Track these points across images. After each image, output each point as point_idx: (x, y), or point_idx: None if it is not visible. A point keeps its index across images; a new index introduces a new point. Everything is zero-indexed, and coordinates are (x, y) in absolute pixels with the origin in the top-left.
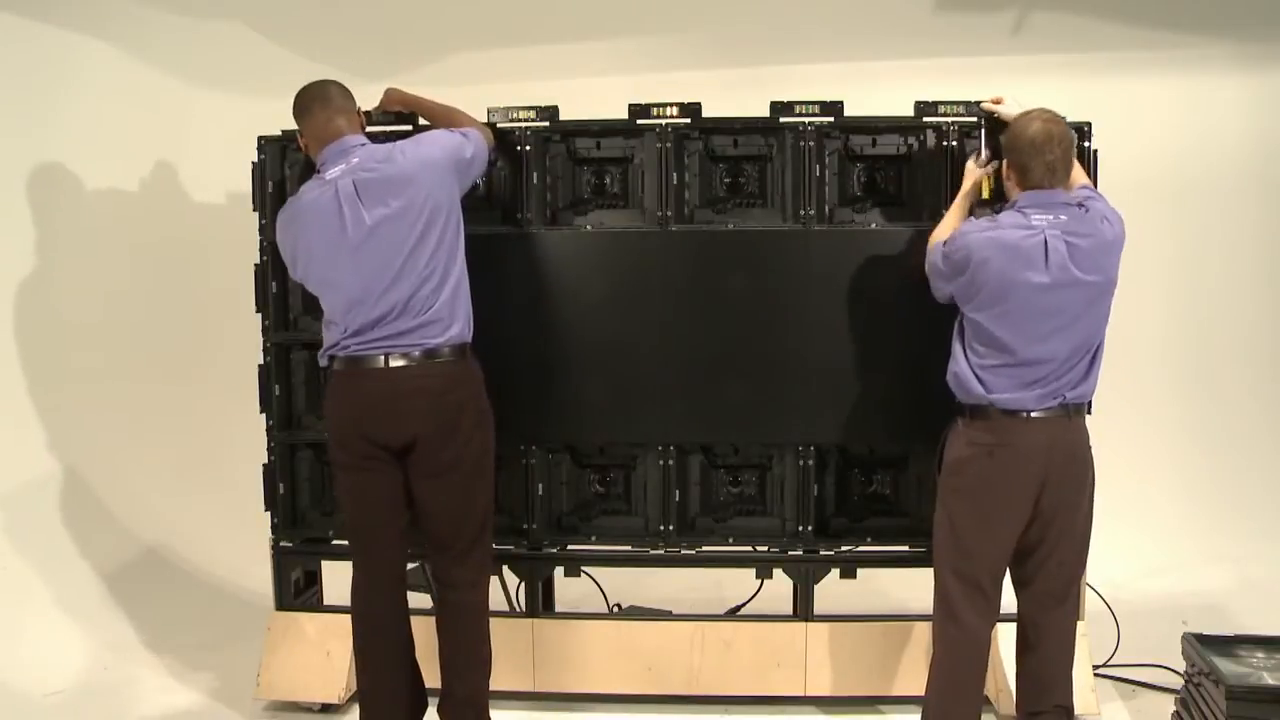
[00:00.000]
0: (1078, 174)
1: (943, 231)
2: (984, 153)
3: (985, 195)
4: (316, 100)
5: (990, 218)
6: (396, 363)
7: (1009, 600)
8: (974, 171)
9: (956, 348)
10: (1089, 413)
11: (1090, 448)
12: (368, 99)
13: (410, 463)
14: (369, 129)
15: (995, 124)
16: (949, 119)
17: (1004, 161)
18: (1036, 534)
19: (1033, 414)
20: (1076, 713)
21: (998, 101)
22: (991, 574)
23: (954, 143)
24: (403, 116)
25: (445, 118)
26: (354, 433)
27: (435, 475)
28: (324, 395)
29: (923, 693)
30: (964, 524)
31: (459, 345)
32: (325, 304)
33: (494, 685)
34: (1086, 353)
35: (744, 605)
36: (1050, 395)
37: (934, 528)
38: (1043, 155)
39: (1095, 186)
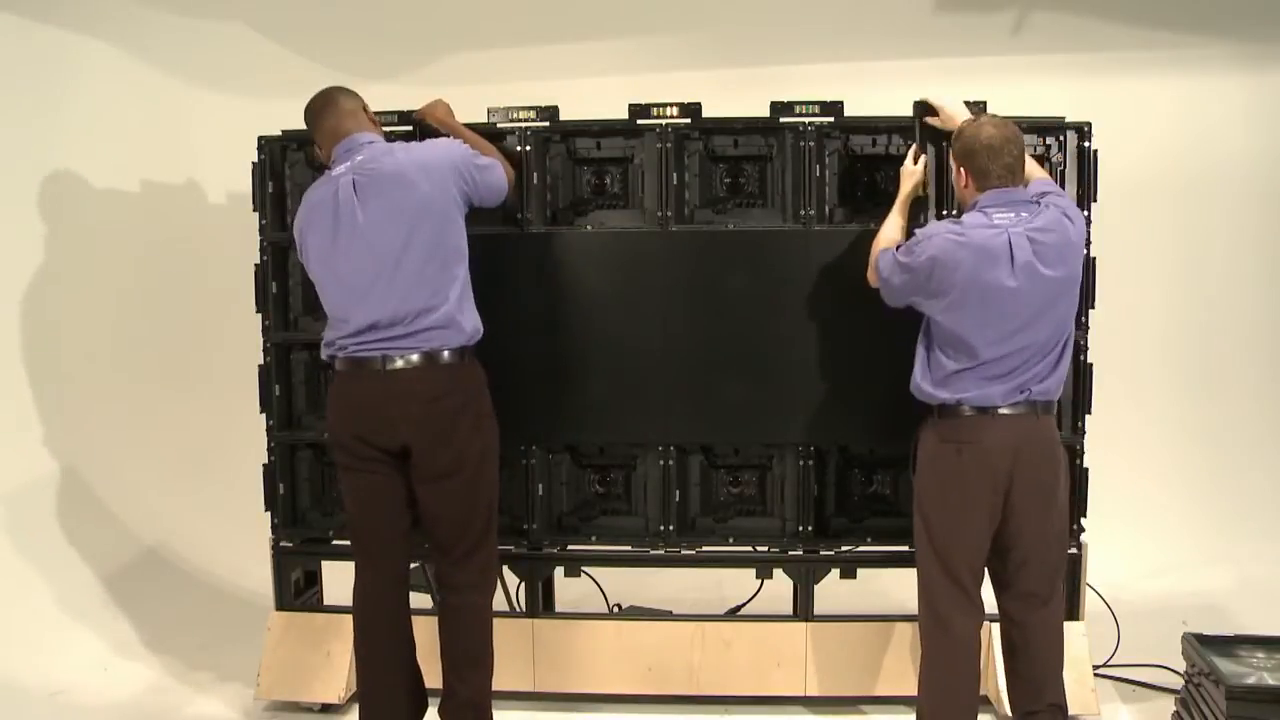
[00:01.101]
0: (1034, 169)
1: (887, 238)
2: (920, 153)
3: (922, 193)
4: (324, 108)
5: (952, 219)
6: (394, 365)
7: (991, 600)
8: (913, 173)
9: (920, 356)
10: (1089, 412)
11: (1060, 445)
12: (369, 100)
13: (410, 466)
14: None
15: (926, 125)
16: None
17: (956, 169)
18: (1013, 531)
19: (1001, 411)
20: (1076, 713)
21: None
22: (971, 570)
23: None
24: (405, 118)
25: (475, 144)
26: (350, 435)
27: (434, 479)
28: (326, 394)
29: None
30: (938, 521)
31: (460, 348)
32: (323, 300)
33: (494, 685)
34: (1053, 348)
35: (744, 605)
36: (1016, 390)
37: (914, 530)
38: (1000, 158)
39: (1096, 186)
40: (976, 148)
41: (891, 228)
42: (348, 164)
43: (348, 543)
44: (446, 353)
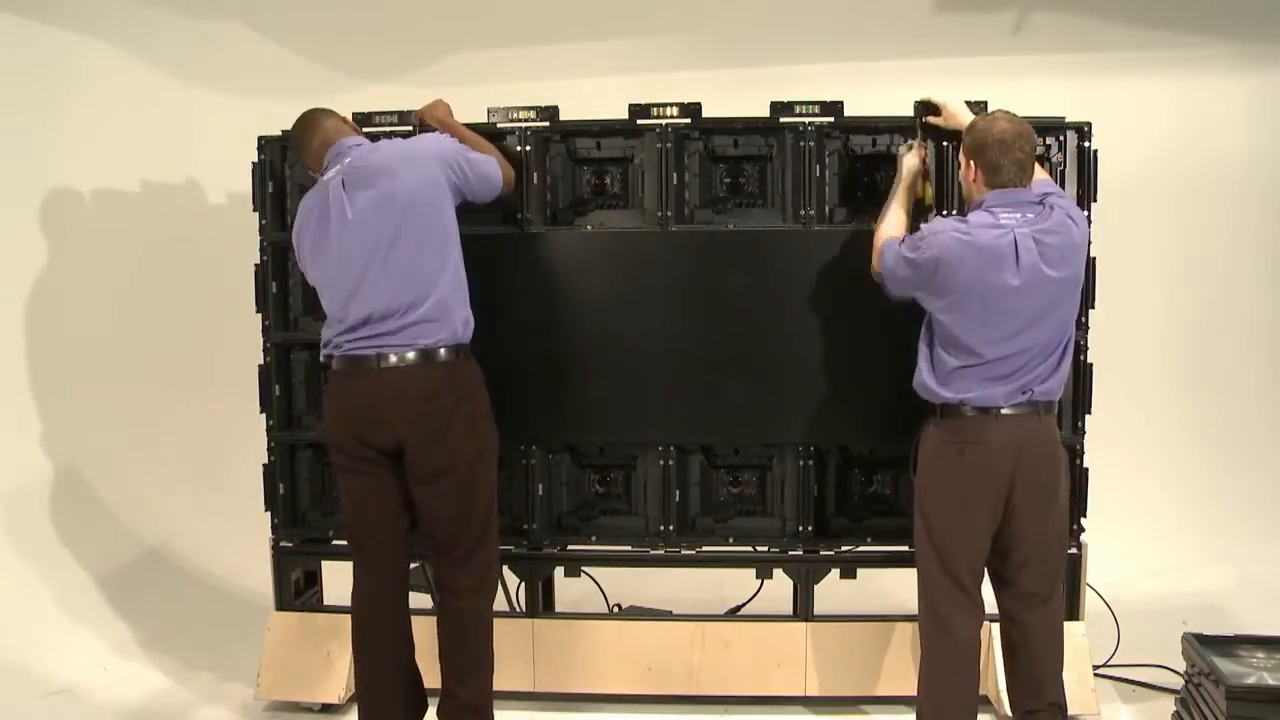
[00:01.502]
0: (1037, 171)
1: (891, 228)
2: (919, 142)
3: (928, 202)
4: (307, 129)
5: (958, 218)
6: (389, 362)
7: (991, 600)
8: (909, 159)
9: (923, 353)
10: (1089, 412)
11: (1061, 445)
12: (369, 100)
13: (405, 466)
14: (367, 129)
15: (928, 124)
16: None
17: (965, 164)
18: (1014, 531)
19: (1003, 411)
20: (1076, 713)
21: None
22: (971, 570)
23: (955, 143)
24: (405, 118)
25: (473, 144)
26: (347, 434)
27: (429, 479)
28: (326, 387)
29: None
30: (939, 521)
31: (455, 346)
32: (322, 301)
33: (495, 685)
34: (1055, 349)
35: (744, 605)
36: (1019, 390)
37: (914, 530)
38: (1012, 152)
39: (1096, 186)
40: (989, 141)
41: (893, 218)
42: (337, 167)
43: (346, 543)
44: (443, 350)
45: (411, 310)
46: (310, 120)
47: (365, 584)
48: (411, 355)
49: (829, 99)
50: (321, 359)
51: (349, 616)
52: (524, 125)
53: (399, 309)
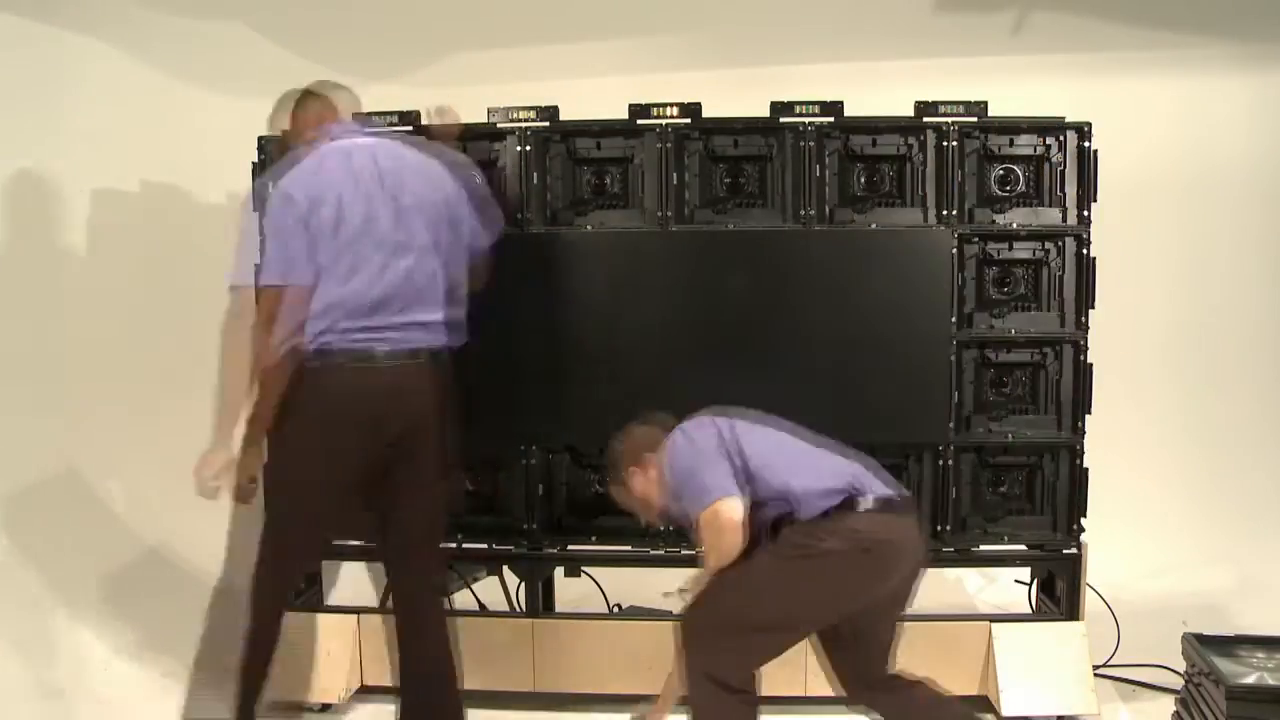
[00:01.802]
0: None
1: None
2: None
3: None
4: (309, 97)
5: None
6: (392, 359)
7: (977, 600)
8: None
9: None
10: (1089, 412)
11: None
12: (369, 100)
13: (394, 464)
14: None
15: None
16: (949, 119)
17: (646, 472)
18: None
19: (893, 503)
20: (1076, 713)
21: None
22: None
23: (954, 143)
24: (403, 118)
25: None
26: (333, 430)
27: (419, 476)
28: (307, 378)
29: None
30: (803, 605)
31: (446, 348)
32: (338, 259)
33: (494, 685)
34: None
35: None
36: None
37: (744, 588)
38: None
39: (1096, 186)
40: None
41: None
42: (365, 141)
43: (349, 543)
44: (435, 351)
45: (425, 311)
46: (313, 93)
47: (287, 580)
48: (412, 353)
49: (829, 99)
50: (308, 338)
51: (349, 617)
52: (524, 125)
53: (415, 306)
